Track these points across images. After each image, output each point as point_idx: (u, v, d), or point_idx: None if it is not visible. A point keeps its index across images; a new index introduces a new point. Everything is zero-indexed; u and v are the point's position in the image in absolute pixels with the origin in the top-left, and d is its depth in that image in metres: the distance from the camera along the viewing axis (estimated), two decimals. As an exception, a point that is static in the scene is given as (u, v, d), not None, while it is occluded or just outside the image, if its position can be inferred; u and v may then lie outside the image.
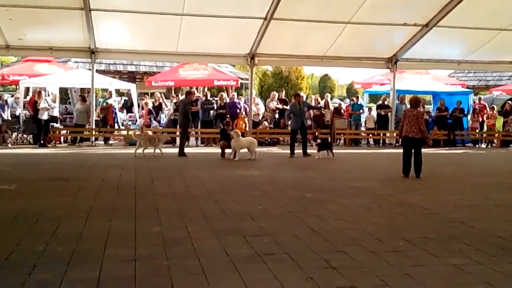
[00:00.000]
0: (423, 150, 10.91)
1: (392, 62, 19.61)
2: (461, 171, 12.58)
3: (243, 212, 7.11)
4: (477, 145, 20.61)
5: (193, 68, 21.46)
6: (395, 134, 19.30)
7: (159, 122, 19.60)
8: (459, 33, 17.99)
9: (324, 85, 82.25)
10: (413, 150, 10.75)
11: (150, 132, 15.72)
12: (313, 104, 20.02)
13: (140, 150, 14.25)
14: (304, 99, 20.41)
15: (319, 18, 16.57)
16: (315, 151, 14.68)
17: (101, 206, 7.33)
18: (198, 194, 8.46)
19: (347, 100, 21.52)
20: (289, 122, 15.39)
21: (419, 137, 10.63)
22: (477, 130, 20.88)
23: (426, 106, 21.07)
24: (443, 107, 20.26)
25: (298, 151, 15.06)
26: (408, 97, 20.30)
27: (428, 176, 10.97)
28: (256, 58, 18.61)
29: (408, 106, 11.25)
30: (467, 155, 17.42)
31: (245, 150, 14.02)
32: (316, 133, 18.68)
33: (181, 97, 20.39)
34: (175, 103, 18.95)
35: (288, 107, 17.09)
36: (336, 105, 21.32)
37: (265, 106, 20.84)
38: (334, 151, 14.75)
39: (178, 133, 15.87)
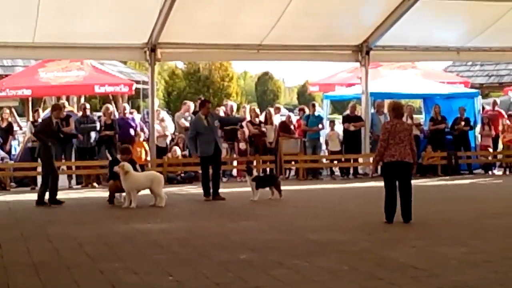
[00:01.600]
0: None
1: (363, 51, 20.10)
2: (467, 211, 12.91)
3: (144, 287, 7.05)
4: (489, 172, 21.35)
5: (61, 68, 21.22)
6: (371, 159, 19.67)
7: (9, 152, 19.18)
8: (460, 7, 18.68)
9: (264, 89, 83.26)
10: (398, 182, 10.95)
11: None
12: (235, 116, 20.08)
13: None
14: (234, 109, 20.63)
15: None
16: (249, 189, 14.79)
17: None
18: (74, 262, 8.29)
19: (298, 111, 21.79)
20: (192, 148, 15.27)
21: (411, 162, 11.00)
22: (490, 150, 21.63)
23: (414, 116, 21.65)
24: (439, 117, 20.89)
25: (230, 189, 15.11)
26: (387, 104, 20.81)
27: (420, 220, 11.19)
28: (158, 50, 18.62)
29: (388, 116, 11.41)
30: (476, 187, 17.97)
31: (147, 191, 13.94)
32: (254, 162, 18.81)
33: (42, 114, 20.10)
34: (33, 122, 18.62)
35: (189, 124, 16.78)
36: (283, 118, 21.55)
37: (174, 123, 20.81)
38: (283, 188, 14.86)
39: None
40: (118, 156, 14.70)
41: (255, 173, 15.46)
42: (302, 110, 21.77)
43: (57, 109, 14.84)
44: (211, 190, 14.84)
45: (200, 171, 18.78)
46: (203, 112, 15.12)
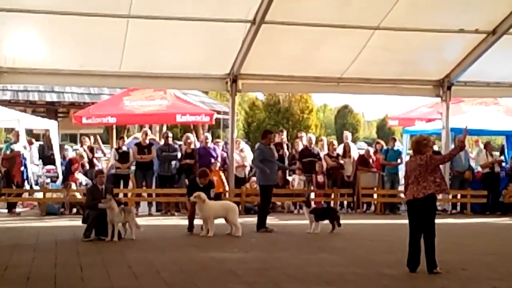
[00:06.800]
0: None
1: (444, 86, 19.88)
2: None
3: (219, 316, 7.09)
4: None
5: (144, 97, 21.59)
6: (450, 196, 19.37)
7: (92, 178, 19.53)
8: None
9: (344, 122, 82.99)
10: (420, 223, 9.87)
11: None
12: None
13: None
14: (312, 141, 20.60)
15: (333, 22, 16.84)
16: (308, 221, 14.67)
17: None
18: (151, 289, 8.42)
19: (379, 145, 21.65)
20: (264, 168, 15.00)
21: (431, 192, 9.79)
22: None
23: (494, 152, 21.27)
24: (522, 155, 20.49)
25: (296, 221, 15.03)
26: (470, 140, 20.50)
27: (501, 259, 10.97)
28: (239, 81, 18.77)
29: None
30: None
31: (223, 220, 14.04)
32: (311, 194, 18.73)
33: (127, 140, 20.51)
34: (117, 149, 19.00)
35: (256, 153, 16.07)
36: (362, 152, 21.47)
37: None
38: (360, 221, 14.72)
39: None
40: (197, 179, 14.73)
41: (312, 205, 15.46)
42: (378, 143, 21.74)
43: (98, 175, 13.99)
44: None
45: (278, 202, 19.06)
46: (266, 143, 15.28)
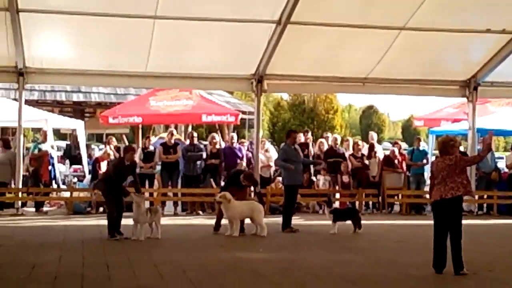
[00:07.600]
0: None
1: (471, 87, 19.75)
2: None
3: (245, 316, 7.08)
4: None
5: (170, 97, 21.64)
6: (476, 197, 19.24)
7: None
8: None
9: (369, 122, 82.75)
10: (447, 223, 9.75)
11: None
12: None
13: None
14: (338, 141, 20.54)
15: (359, 22, 16.81)
16: (330, 222, 14.56)
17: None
18: (177, 288, 8.43)
19: (404, 145, 21.58)
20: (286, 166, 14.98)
21: (460, 194, 9.68)
22: None
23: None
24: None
25: (322, 221, 15.01)
26: (496, 141, 20.32)
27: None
28: (265, 82, 18.77)
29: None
30: None
31: (248, 220, 14.04)
32: (337, 195, 18.68)
33: (154, 139, 20.55)
34: (143, 149, 19.08)
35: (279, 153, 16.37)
36: (387, 152, 21.37)
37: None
38: (385, 222, 14.66)
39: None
40: (241, 177, 14.42)
41: (334, 205, 15.44)
42: (396, 143, 21.69)
43: (130, 151, 13.98)
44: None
45: (303, 203, 19.04)
46: (290, 142, 15.25)
